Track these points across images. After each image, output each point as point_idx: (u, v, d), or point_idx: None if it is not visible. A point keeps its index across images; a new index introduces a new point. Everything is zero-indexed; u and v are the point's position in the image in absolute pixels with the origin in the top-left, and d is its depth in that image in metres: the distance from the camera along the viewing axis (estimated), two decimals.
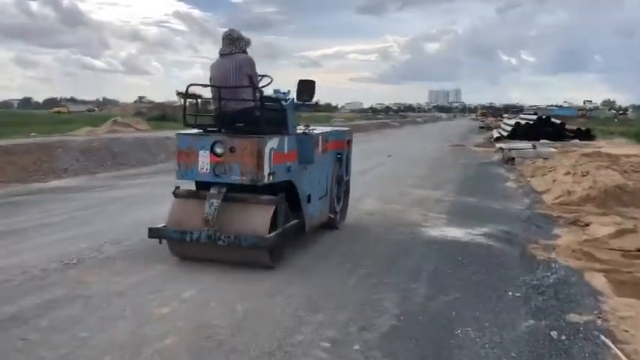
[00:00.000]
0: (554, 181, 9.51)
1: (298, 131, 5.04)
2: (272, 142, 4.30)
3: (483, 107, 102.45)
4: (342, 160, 5.98)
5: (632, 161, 13.90)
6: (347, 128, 7.00)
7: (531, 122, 23.23)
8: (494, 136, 23.88)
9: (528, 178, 10.61)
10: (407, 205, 7.51)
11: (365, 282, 4.13)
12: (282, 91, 4.98)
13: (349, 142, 6.29)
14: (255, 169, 4.13)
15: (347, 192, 6.32)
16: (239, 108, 4.48)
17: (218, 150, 4.21)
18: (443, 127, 46.22)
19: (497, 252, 5.21)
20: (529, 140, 19.45)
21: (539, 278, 4.24)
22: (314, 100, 4.95)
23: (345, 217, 6.28)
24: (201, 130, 4.61)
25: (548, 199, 8.11)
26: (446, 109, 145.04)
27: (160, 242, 4.40)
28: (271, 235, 4.18)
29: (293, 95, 4.85)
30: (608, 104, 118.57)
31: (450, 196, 8.59)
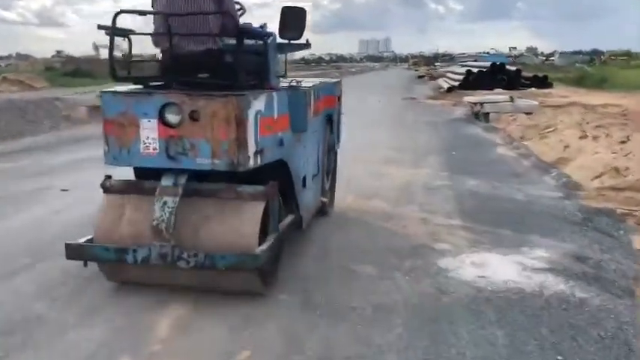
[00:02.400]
0: (565, 147, 7.16)
1: (283, 85, 3.43)
2: (258, 103, 2.77)
3: (414, 56, 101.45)
4: (332, 123, 4.44)
5: (612, 112, 12.00)
6: (336, 79, 5.14)
7: (484, 70, 21.18)
8: (445, 87, 21.59)
9: (524, 142, 8.23)
10: (391, 200, 4.87)
11: None
12: (255, 25, 3.30)
13: (340, 98, 4.70)
14: (235, 146, 2.65)
15: (335, 165, 4.75)
16: (201, 49, 2.97)
17: (172, 117, 2.71)
18: (380, 77, 43.43)
19: (605, 324, 2.68)
20: (482, 90, 17.40)
21: None
22: (303, 38, 3.32)
23: (334, 199, 4.66)
24: (141, 86, 3.02)
25: (580, 178, 5.71)
26: (377, 59, 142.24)
27: (86, 265, 2.92)
28: (263, 247, 2.73)
29: (273, 31, 3.23)
30: (532, 50, 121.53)
31: (441, 177, 6.01)
